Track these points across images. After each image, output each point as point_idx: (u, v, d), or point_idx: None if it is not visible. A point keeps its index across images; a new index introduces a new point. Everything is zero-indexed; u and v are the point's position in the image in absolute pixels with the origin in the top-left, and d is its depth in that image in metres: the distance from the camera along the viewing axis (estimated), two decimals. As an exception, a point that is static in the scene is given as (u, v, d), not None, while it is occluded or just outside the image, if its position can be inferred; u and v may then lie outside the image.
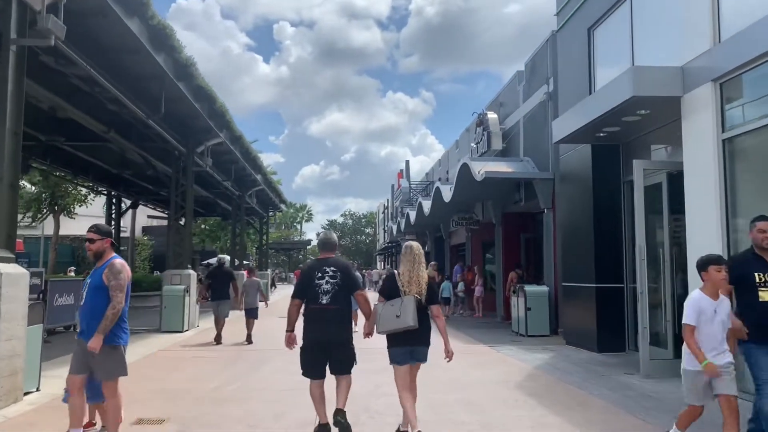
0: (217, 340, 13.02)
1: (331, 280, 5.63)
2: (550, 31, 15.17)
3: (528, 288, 14.46)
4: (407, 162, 43.87)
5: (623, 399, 7.26)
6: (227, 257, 15.46)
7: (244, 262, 29.63)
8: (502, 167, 16.16)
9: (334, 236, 6.19)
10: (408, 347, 5.46)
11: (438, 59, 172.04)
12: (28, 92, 12.86)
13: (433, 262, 21.18)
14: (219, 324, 13.28)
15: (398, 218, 37.36)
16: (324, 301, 5.57)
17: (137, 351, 11.84)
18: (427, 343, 5.56)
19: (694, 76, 8.12)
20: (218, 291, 13.68)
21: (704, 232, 7.90)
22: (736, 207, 7.56)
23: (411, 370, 5.59)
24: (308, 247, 74.20)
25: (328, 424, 5.61)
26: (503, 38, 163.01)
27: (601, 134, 10.63)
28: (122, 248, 38.42)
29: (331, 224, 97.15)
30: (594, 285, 11.24)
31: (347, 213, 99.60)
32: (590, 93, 11.51)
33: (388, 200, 53.97)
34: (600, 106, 9.41)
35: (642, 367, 8.69)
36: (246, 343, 13.09)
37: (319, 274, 5.66)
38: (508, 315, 17.30)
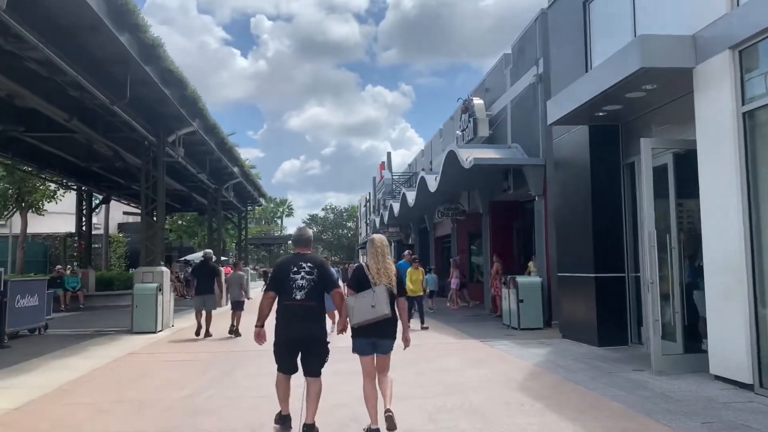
0: (198, 333, 13.22)
1: (307, 276, 5.53)
2: (539, 10, 14.48)
3: (520, 279, 13.78)
4: (389, 153, 43.14)
5: (640, 400, 6.56)
6: (211, 252, 14.79)
7: (222, 258, 28.67)
8: (490, 154, 15.47)
9: (309, 232, 6.13)
10: (370, 339, 5.45)
11: (417, 52, 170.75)
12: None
13: (407, 251, 20.50)
14: (206, 318, 13.29)
15: (381, 211, 36.59)
16: (298, 297, 5.46)
17: (104, 354, 10.98)
18: (393, 335, 5.53)
19: (708, 45, 7.43)
20: (203, 286, 13.61)
21: (721, 216, 7.25)
22: (758, 187, 6.89)
23: (380, 361, 5.57)
24: (289, 242, 73.17)
25: (289, 414, 5.72)
26: (481, 31, 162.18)
27: (601, 113, 9.94)
28: (96, 245, 37.27)
29: (312, 219, 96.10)
30: (593, 275, 10.57)
31: (328, 207, 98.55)
32: (586, 71, 10.82)
33: (369, 193, 53.17)
34: (602, 82, 8.70)
35: (654, 363, 8.02)
36: (234, 336, 13.11)
37: (295, 269, 5.55)
38: (495, 307, 16.66)
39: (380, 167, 40.19)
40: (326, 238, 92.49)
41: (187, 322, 17.03)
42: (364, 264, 5.77)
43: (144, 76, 12.38)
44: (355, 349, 5.54)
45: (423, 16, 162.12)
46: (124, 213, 40.71)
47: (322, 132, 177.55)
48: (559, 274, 12.05)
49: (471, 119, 18.29)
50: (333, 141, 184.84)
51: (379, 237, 5.78)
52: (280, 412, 5.73)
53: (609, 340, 10.38)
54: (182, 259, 38.12)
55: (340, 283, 6.59)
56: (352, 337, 5.54)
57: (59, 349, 11.59)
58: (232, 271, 14.62)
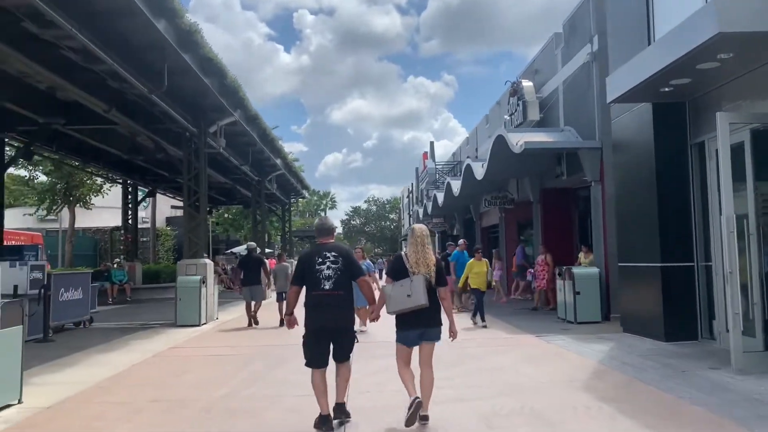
0: (251, 323, 13.61)
1: (333, 266, 5.49)
2: (593, -17, 13.60)
3: (576, 270, 13.00)
4: (431, 143, 42.28)
5: (725, 404, 5.83)
6: (254, 244, 15.01)
7: (266, 249, 28.55)
8: (542, 138, 14.69)
9: (331, 221, 6.13)
10: (418, 330, 5.46)
11: (459, 42, 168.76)
12: (23, 70, 11.83)
13: (462, 240, 20.49)
14: (253, 308, 13.69)
15: (424, 201, 35.93)
16: (327, 287, 5.43)
17: (146, 348, 10.73)
18: (439, 323, 5.55)
19: (797, 4, 6.59)
20: (249, 277, 13.83)
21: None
22: None
23: (425, 351, 5.55)
24: (334, 234, 72.98)
25: (329, 415, 5.47)
26: (524, 17, 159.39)
27: (667, 89, 9.11)
28: (144, 239, 37.76)
29: (354, 211, 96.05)
30: (659, 264, 9.76)
31: (371, 199, 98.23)
32: (649, 44, 9.97)
33: (412, 184, 52.49)
34: (670, 52, 7.88)
35: (734, 361, 7.23)
36: (279, 326, 13.08)
37: (320, 260, 5.52)
38: (547, 300, 15.88)
39: (423, 157, 39.44)
40: (369, 230, 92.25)
41: (232, 314, 16.85)
42: (403, 253, 5.71)
43: (182, 64, 12.05)
44: (399, 340, 5.54)
45: (465, 4, 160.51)
46: (172, 207, 41.12)
47: (364, 125, 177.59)
48: (620, 264, 11.25)
49: (520, 102, 17.49)
50: (375, 133, 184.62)
51: (419, 227, 5.71)
52: (320, 413, 5.46)
53: (677, 334, 9.58)
54: (228, 251, 38.31)
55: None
56: (397, 329, 5.54)
57: (102, 344, 11.42)
58: (276, 263, 14.81)
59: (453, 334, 5.71)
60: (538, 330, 11.84)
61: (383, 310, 5.63)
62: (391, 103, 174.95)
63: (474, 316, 12.86)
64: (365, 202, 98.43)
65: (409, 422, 5.22)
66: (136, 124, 14.38)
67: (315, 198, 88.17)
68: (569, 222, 17.77)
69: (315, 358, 5.50)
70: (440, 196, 26.69)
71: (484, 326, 12.34)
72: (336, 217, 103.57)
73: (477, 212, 26.74)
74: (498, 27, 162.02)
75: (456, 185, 22.66)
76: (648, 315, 10.16)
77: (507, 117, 18.99)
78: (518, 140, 14.13)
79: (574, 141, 14.03)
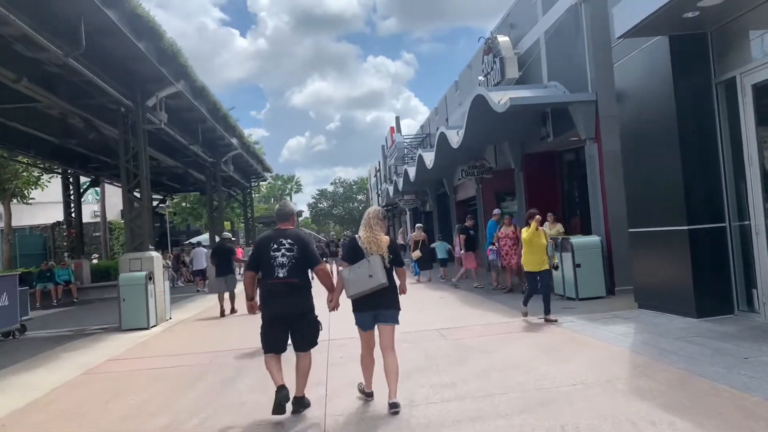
0: (223, 314, 13.29)
1: (288, 253, 5.37)
2: None
3: (575, 240, 11.50)
4: (397, 117, 40.70)
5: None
6: (229, 234, 15.13)
7: (223, 234, 26.51)
8: (527, 94, 13.06)
9: (292, 205, 5.87)
10: (373, 311, 5.33)
11: (416, 19, 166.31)
12: None
13: (419, 225, 19.94)
14: (230, 297, 13.52)
15: (394, 178, 34.16)
16: (280, 275, 5.32)
17: (77, 363, 8.87)
18: (395, 306, 5.40)
19: None
20: (222, 267, 13.69)
21: None
22: None
23: (384, 334, 5.37)
24: (300, 218, 71.42)
25: (284, 385, 5.29)
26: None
27: (690, 15, 7.53)
28: (96, 234, 35.29)
29: (321, 193, 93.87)
30: (685, 227, 8.26)
31: (337, 181, 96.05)
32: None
33: (379, 162, 50.69)
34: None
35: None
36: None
37: (275, 246, 5.40)
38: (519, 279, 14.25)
39: (390, 131, 37.58)
40: (337, 213, 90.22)
41: (189, 311, 15.00)
42: (357, 236, 5.49)
43: (104, 21, 10.06)
44: (357, 323, 5.41)
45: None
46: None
47: (325, 107, 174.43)
48: (631, 231, 9.73)
49: (496, 60, 15.83)
50: (337, 115, 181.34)
51: (374, 208, 5.62)
52: (276, 384, 5.30)
53: (710, 309, 8.12)
54: (188, 242, 36.11)
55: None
56: (353, 311, 5.39)
57: (27, 359, 9.55)
58: (243, 252, 14.47)
59: (403, 290, 5.54)
60: (537, 310, 10.29)
61: (343, 297, 5.41)
62: (352, 84, 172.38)
63: (525, 303, 9.72)
64: (332, 184, 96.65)
65: None
66: (60, 99, 12.28)
67: (279, 182, 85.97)
68: (555, 189, 16.29)
69: (271, 344, 5.39)
70: (411, 171, 25.02)
71: (553, 321, 8.98)
72: (302, 201, 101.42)
73: (451, 185, 25.17)
74: (454, 3, 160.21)
75: (429, 157, 21.03)
76: (672, 288, 8.67)
77: (482, 78, 17.32)
78: (501, 98, 12.50)
79: (564, 95, 12.42)
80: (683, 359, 6.11)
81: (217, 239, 22.96)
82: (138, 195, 13.39)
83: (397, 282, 5.46)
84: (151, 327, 12.20)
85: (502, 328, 9.04)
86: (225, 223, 47.20)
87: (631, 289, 10.94)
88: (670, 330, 7.64)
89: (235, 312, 13.31)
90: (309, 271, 5.48)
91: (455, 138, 16.77)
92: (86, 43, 10.25)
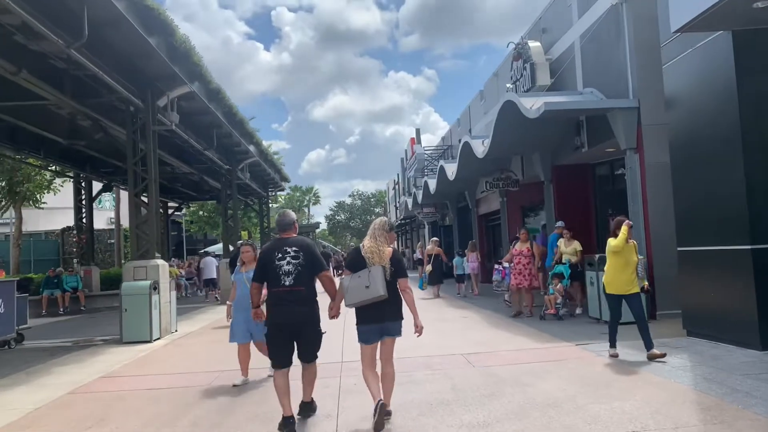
0: None
1: (293, 261, 5.26)
2: None
3: (614, 258, 10.50)
4: (417, 130, 39.69)
5: None
6: (243, 242, 13.24)
7: (239, 242, 25.78)
8: (561, 100, 12.16)
9: (293, 214, 5.72)
10: (378, 324, 5.18)
11: (438, 36, 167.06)
12: None
13: (434, 238, 19.95)
14: None
15: (413, 190, 33.30)
16: (287, 283, 5.22)
17: (68, 380, 8.10)
18: (399, 317, 5.26)
19: None
20: None
21: None
22: None
23: (385, 347, 5.28)
24: (317, 230, 70.77)
25: (293, 416, 5.21)
26: (503, 9, 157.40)
27: (760, 5, 6.61)
28: (111, 241, 34.78)
29: (339, 205, 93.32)
30: (748, 247, 7.29)
31: (355, 193, 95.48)
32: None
33: (398, 175, 49.84)
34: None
35: None
36: None
37: (279, 255, 5.30)
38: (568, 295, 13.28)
39: (411, 142, 36.69)
40: (354, 225, 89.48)
41: (197, 324, 14.22)
42: (362, 245, 5.38)
43: (109, 12, 9.37)
44: (360, 338, 5.28)
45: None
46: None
47: (346, 121, 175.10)
48: (680, 249, 8.75)
49: (527, 66, 14.96)
50: (357, 129, 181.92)
51: (380, 219, 5.58)
52: (283, 415, 5.18)
53: (777, 340, 7.12)
54: (203, 251, 35.48)
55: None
56: (357, 324, 5.27)
57: (15, 373, 8.83)
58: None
59: (418, 328, 5.25)
60: (572, 335, 9.37)
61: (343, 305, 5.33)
62: (373, 98, 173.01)
63: (613, 344, 7.86)
64: (350, 196, 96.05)
65: (377, 427, 4.98)
66: (66, 96, 11.60)
67: (298, 194, 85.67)
68: (587, 203, 15.30)
69: (278, 357, 5.30)
70: (432, 183, 24.16)
71: (660, 356, 7.23)
72: (320, 213, 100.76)
73: (473, 198, 24.24)
74: (476, 20, 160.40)
75: (451, 168, 20.17)
76: (730, 315, 7.69)
77: (509, 85, 16.45)
78: (533, 104, 11.62)
79: (604, 101, 11.49)
80: (762, 402, 5.14)
81: (231, 248, 22.49)
82: (146, 200, 12.66)
83: (402, 295, 5.29)
84: (154, 340, 11.42)
85: (534, 355, 8.10)
86: (243, 232, 46.96)
87: (674, 314, 10.04)
88: (732, 364, 6.66)
89: None
90: (315, 278, 5.40)
91: (480, 148, 15.91)
92: (92, 36, 9.57)
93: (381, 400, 5.07)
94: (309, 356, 5.41)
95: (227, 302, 7.58)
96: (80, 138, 15.77)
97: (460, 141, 20.54)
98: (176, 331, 12.74)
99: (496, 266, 14.38)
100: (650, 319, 10.23)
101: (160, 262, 12.34)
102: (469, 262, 18.95)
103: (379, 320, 5.16)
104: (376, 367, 5.29)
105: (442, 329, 11.09)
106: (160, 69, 11.92)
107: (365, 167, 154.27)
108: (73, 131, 15.74)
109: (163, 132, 13.96)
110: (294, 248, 5.30)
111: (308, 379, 5.49)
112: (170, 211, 30.76)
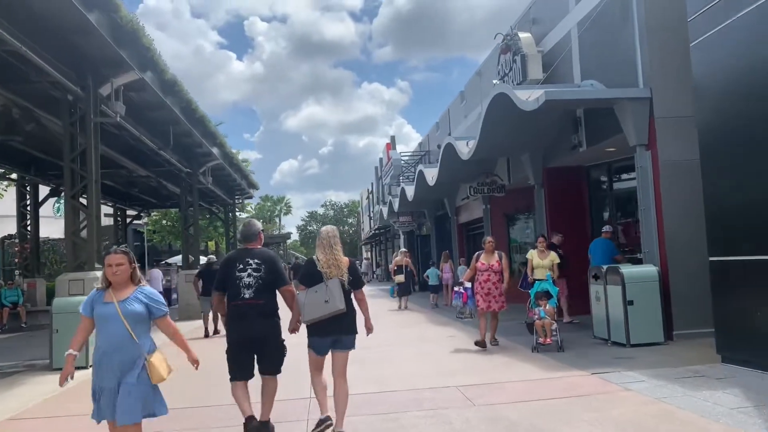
0: (207, 335, 13.41)
1: (254, 273, 5.12)
2: None
3: (626, 270, 9.12)
4: (393, 137, 38.48)
5: None
6: (215, 257, 15.34)
7: (210, 258, 24.00)
8: (560, 91, 10.81)
9: (258, 224, 5.51)
10: (332, 337, 5.10)
11: (412, 48, 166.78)
12: None
13: (403, 249, 20.31)
14: (213, 318, 13.59)
15: (389, 198, 31.83)
16: (246, 296, 5.08)
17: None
18: (354, 331, 5.16)
19: None
20: (208, 287, 13.17)
21: None
22: None
23: (338, 361, 5.14)
24: (288, 240, 68.90)
25: (253, 414, 5.06)
26: (475, 23, 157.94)
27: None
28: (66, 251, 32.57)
29: (311, 216, 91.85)
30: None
31: (328, 203, 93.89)
32: None
33: (372, 184, 48.50)
34: None
35: None
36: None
37: (241, 266, 5.13)
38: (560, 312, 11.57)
39: (386, 147, 35.36)
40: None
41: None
42: (315, 257, 5.23)
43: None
44: (310, 345, 5.16)
45: (416, 12, 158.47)
46: (105, 215, 35.98)
47: (319, 131, 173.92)
48: (713, 259, 7.37)
49: (516, 58, 13.62)
50: (330, 140, 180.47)
51: (327, 228, 5.37)
52: (245, 414, 5.03)
53: None
54: (163, 262, 33.44)
55: None
56: (308, 335, 5.16)
57: None
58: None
59: (368, 329, 5.32)
60: (582, 362, 7.95)
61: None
62: (347, 109, 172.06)
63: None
64: (322, 206, 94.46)
65: None
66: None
67: (269, 203, 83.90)
68: (582, 209, 13.99)
69: (238, 371, 5.11)
70: (410, 190, 22.75)
71: None
72: (292, 223, 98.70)
73: (453, 206, 22.89)
74: (449, 32, 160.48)
75: (431, 173, 18.78)
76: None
77: (497, 81, 15.02)
78: (530, 95, 10.27)
79: (612, 90, 10.14)
80: None
81: (191, 259, 20.75)
82: (84, 202, 10.97)
83: (356, 306, 5.18)
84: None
85: (547, 389, 6.64)
86: (210, 243, 44.92)
87: (694, 334, 8.82)
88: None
89: (218, 333, 13.29)
90: (275, 291, 5.22)
91: (465, 149, 14.56)
92: (13, 4, 7.97)
93: (329, 418, 4.96)
94: (272, 368, 5.21)
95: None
96: (14, 133, 13.91)
97: (439, 146, 19.18)
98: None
99: (456, 289, 10.73)
100: (667, 341, 8.93)
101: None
102: (443, 273, 18.57)
103: (332, 333, 5.06)
104: (323, 374, 5.20)
105: (427, 353, 9.60)
106: (102, 50, 10.30)
107: (338, 178, 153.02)
108: (7, 124, 13.90)
109: (109, 127, 12.30)
110: (256, 260, 5.15)
111: (268, 394, 5.22)
112: (128, 220, 28.76)
